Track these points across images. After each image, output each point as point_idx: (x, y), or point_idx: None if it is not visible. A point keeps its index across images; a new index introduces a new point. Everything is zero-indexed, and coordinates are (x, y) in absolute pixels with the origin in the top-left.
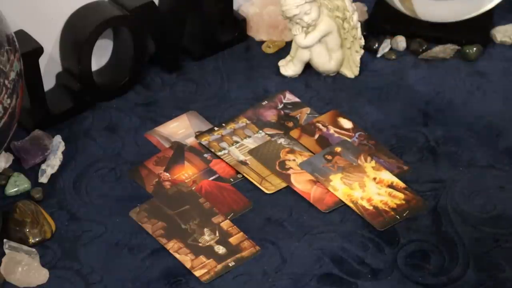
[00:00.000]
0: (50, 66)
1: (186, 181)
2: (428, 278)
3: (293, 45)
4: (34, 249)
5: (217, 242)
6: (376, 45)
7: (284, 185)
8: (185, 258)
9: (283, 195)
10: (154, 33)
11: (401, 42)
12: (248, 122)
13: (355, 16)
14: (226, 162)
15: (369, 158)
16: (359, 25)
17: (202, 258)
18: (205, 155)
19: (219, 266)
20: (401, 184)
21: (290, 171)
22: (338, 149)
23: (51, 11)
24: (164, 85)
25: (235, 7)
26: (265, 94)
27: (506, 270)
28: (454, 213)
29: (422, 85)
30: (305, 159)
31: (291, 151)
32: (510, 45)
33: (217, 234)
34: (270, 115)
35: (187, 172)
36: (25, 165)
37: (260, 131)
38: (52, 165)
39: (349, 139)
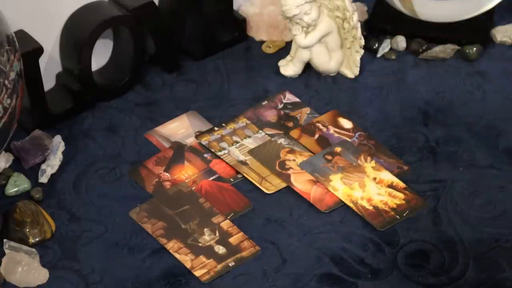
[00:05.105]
0: (50, 66)
1: (186, 181)
2: (428, 278)
3: (293, 45)
4: (34, 249)
5: (217, 242)
6: (376, 45)
7: (284, 185)
8: (185, 258)
9: (283, 195)
10: (154, 33)
11: (401, 42)
12: (248, 122)
13: (355, 16)
14: (226, 162)
15: (369, 158)
16: (359, 25)
17: (202, 258)
18: (205, 155)
19: (219, 266)
20: (401, 184)
21: (290, 171)
22: (338, 149)
23: (51, 11)
24: (164, 85)
25: (235, 7)
26: (265, 94)
27: (506, 270)
28: (454, 213)
29: (422, 85)
30: (305, 159)
31: (291, 151)
32: (510, 45)
33: (217, 234)
34: (270, 115)
35: (187, 172)
36: (25, 165)
37: (260, 131)
38: (52, 165)
39: (349, 139)
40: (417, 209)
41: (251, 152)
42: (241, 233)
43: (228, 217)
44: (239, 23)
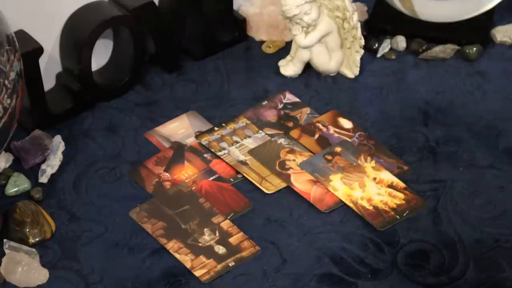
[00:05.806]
0: (50, 66)
1: (186, 181)
2: (428, 278)
3: (293, 45)
4: (34, 249)
5: (217, 242)
6: (376, 45)
7: (284, 185)
8: (185, 258)
9: (283, 195)
10: (154, 33)
11: (401, 42)
12: (248, 122)
13: (355, 16)
14: (226, 162)
15: (369, 158)
16: (359, 25)
17: (202, 258)
18: (205, 155)
19: (219, 266)
20: (401, 184)
21: (290, 171)
22: (338, 149)
23: (51, 11)
24: (164, 85)
25: (235, 7)
26: (265, 94)
27: (506, 270)
28: (454, 213)
29: (422, 85)
30: (305, 159)
31: (291, 151)
32: (510, 45)
33: (217, 234)
34: (270, 115)
35: (187, 172)
36: (25, 165)
37: (260, 131)
38: (52, 165)
39: (349, 139)
40: (417, 209)
41: (251, 152)
42: (241, 233)
43: (228, 217)
44: (239, 23)
